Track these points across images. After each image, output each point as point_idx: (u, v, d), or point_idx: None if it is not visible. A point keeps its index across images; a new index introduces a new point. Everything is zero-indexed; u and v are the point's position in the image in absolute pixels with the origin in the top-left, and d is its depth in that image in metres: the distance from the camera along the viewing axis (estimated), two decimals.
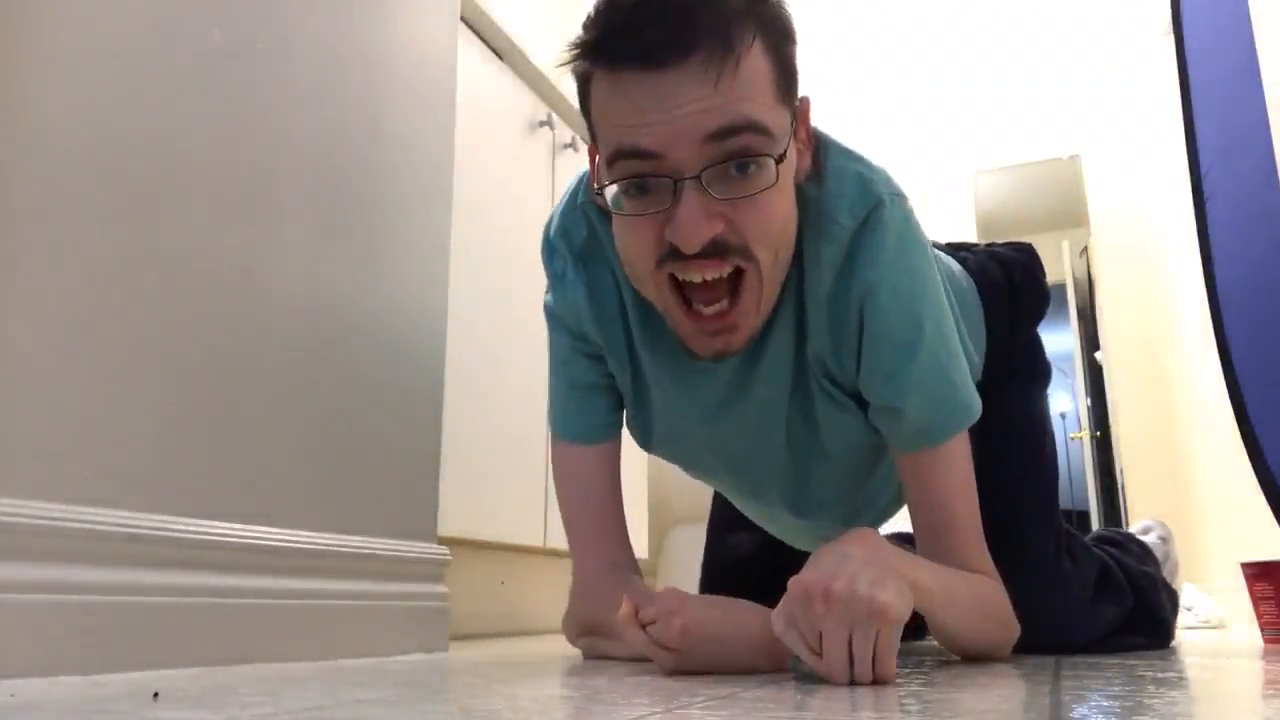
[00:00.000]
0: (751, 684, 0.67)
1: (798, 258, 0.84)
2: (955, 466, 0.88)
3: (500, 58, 1.75)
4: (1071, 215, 4.50)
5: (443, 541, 1.14)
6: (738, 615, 0.77)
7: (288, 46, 0.95)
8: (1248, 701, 0.65)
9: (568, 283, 0.93)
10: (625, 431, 1.01)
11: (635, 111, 0.73)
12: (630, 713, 0.50)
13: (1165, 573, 1.30)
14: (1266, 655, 1.10)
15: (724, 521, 1.27)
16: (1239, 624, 2.08)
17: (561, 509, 1.01)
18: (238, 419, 0.85)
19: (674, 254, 0.76)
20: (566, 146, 1.90)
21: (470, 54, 1.61)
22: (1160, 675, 0.80)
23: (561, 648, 1.07)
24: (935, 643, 1.00)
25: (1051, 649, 1.02)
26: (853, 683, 0.66)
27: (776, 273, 0.81)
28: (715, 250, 0.75)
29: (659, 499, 2.28)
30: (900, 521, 1.07)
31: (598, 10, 0.75)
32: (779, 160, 0.75)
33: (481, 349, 1.54)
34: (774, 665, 0.76)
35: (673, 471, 1.11)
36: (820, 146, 0.85)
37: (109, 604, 0.70)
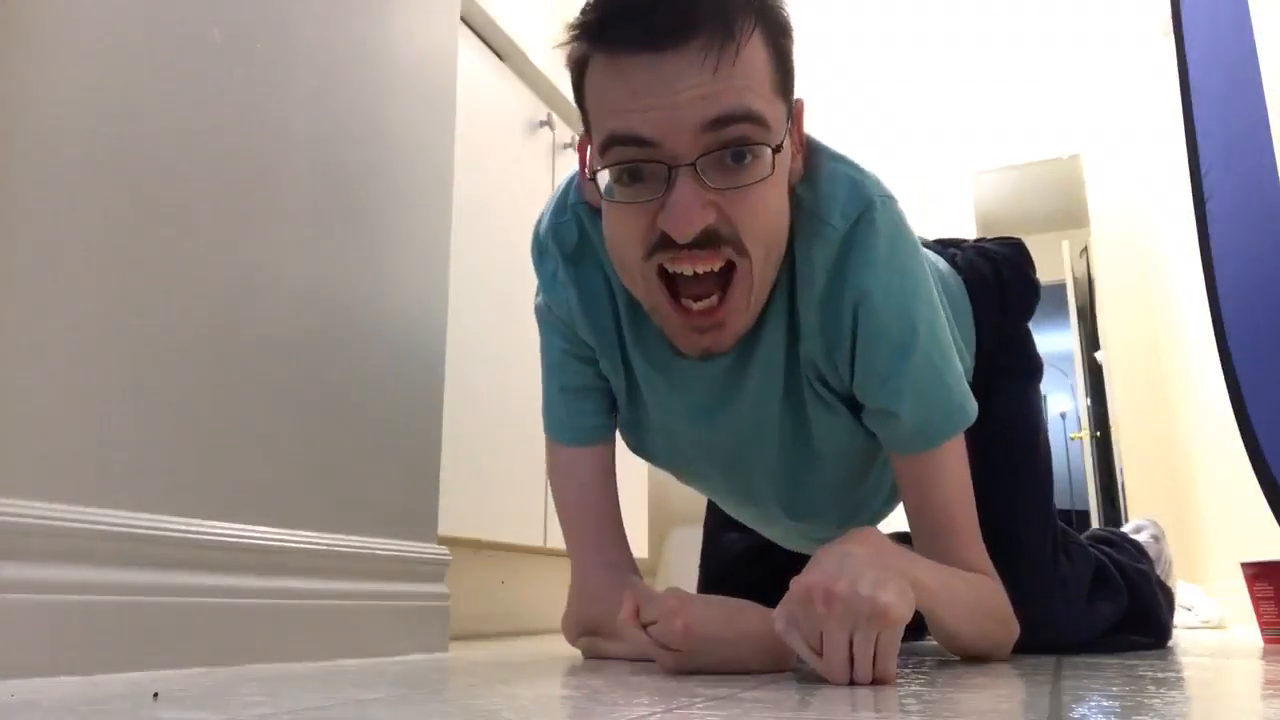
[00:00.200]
0: (751, 684, 0.67)
1: (789, 260, 0.83)
2: (952, 469, 0.87)
3: (500, 58, 1.75)
4: (1071, 215, 4.51)
5: (443, 541, 1.14)
6: (739, 615, 0.77)
7: (288, 46, 0.95)
8: (1248, 701, 0.65)
9: (558, 284, 0.93)
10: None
11: (632, 95, 0.72)
12: (630, 713, 0.50)
13: (1159, 571, 1.30)
14: (1266, 655, 1.10)
15: (719, 521, 1.27)
16: (1239, 624, 2.08)
17: (558, 510, 1.01)
18: (237, 419, 0.85)
19: (665, 244, 0.75)
20: (566, 146, 1.90)
21: (470, 54, 1.61)
22: (1160, 675, 0.80)
23: (561, 648, 1.07)
24: (935, 643, 1.00)
25: (1050, 648, 1.02)
26: (853, 683, 0.66)
27: (768, 271, 0.80)
28: (708, 240, 0.74)
29: (659, 499, 2.28)
30: (898, 521, 1.07)
31: None
32: (775, 151, 0.75)
33: (481, 349, 1.54)
34: (775, 665, 0.76)
35: None
36: (811, 150, 0.84)
37: (109, 604, 0.70)
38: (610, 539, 0.98)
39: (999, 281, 1.13)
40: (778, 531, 1.14)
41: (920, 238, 1.23)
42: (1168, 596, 1.24)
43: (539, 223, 0.95)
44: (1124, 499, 3.73)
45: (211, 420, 0.82)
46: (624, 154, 0.74)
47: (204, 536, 0.79)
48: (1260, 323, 1.26)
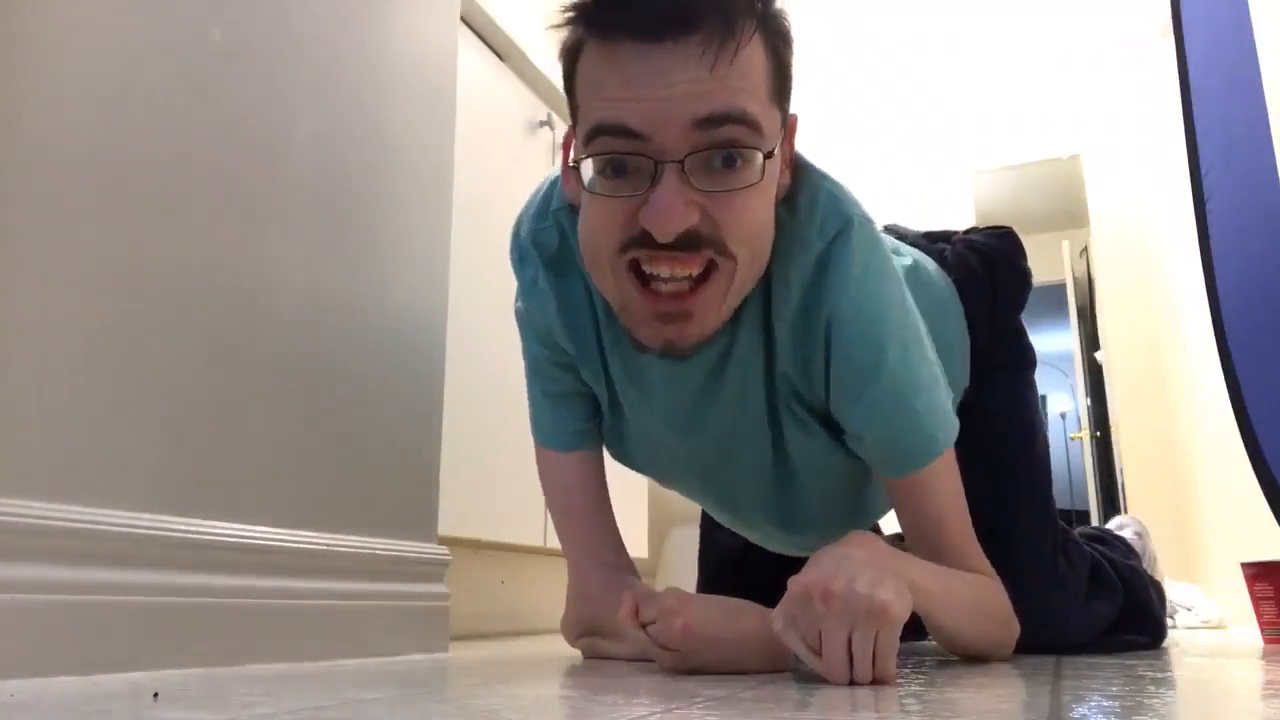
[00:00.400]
0: (751, 684, 0.67)
1: (766, 278, 0.81)
2: (941, 483, 0.87)
3: (500, 58, 1.76)
4: (1071, 215, 4.50)
5: (443, 541, 1.14)
6: (738, 615, 0.77)
7: (288, 46, 0.95)
8: (1248, 701, 0.65)
9: (538, 292, 0.90)
10: None
11: (624, 84, 0.70)
12: (630, 713, 0.50)
13: (1146, 567, 1.30)
14: (1266, 655, 1.10)
15: (713, 520, 1.26)
16: (1239, 624, 2.08)
17: (550, 513, 1.01)
18: (237, 419, 0.85)
19: (643, 241, 0.72)
20: None
21: (470, 54, 1.61)
22: (1160, 675, 0.80)
23: (561, 648, 1.07)
24: (935, 643, 1.00)
25: (1049, 648, 1.02)
26: (852, 683, 0.66)
27: (748, 278, 0.77)
28: (688, 243, 0.72)
29: (659, 499, 2.28)
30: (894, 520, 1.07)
31: None
32: (767, 157, 0.73)
33: (481, 349, 1.54)
34: (774, 665, 0.76)
35: None
36: (796, 167, 0.82)
37: (108, 604, 0.70)
38: (604, 540, 0.97)
39: (990, 274, 1.12)
40: (768, 539, 1.13)
41: (910, 231, 1.23)
42: (1159, 593, 1.24)
43: (518, 226, 0.92)
44: (1124, 499, 3.72)
45: (211, 420, 0.82)
46: (610, 144, 0.71)
47: (204, 536, 0.79)
48: (1260, 323, 1.26)
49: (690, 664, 0.75)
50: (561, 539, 1.00)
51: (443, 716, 0.49)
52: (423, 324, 1.15)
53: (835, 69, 3.94)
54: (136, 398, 0.75)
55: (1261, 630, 1.29)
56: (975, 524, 0.90)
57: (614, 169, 0.73)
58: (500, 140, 1.71)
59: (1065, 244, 4.40)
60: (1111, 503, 4.29)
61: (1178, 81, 1.45)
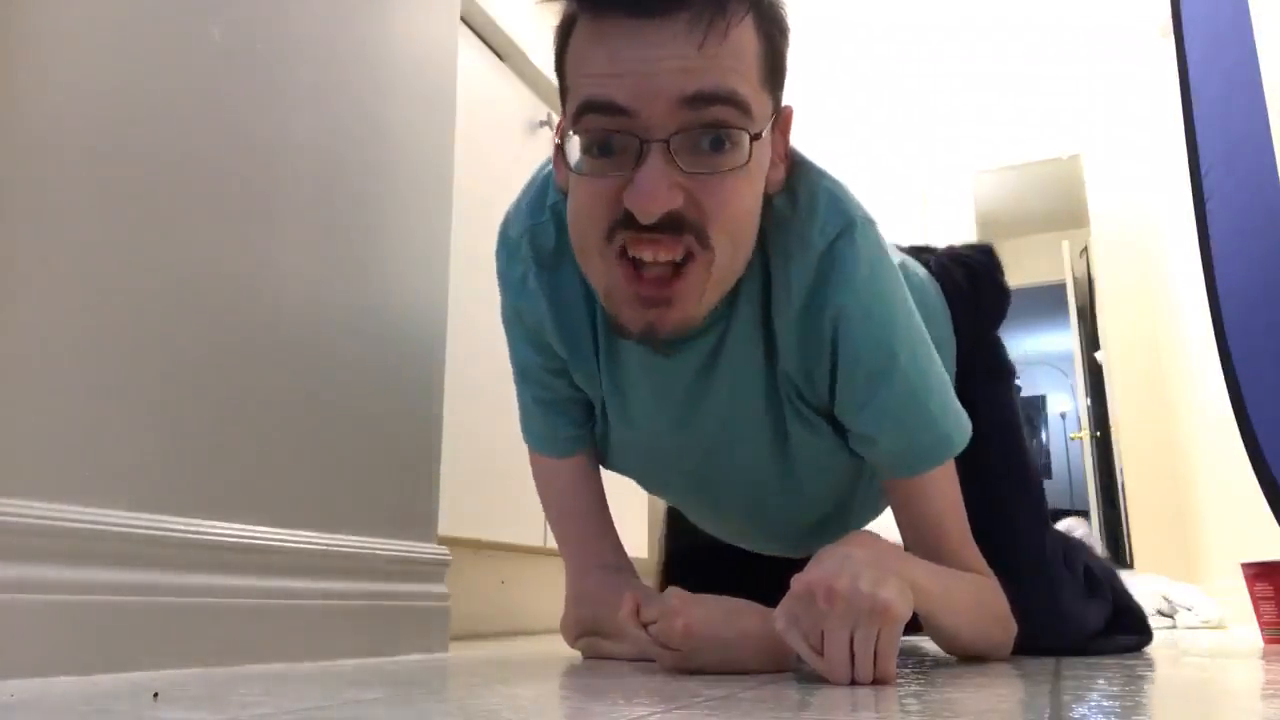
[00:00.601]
0: (752, 684, 0.67)
1: (763, 275, 0.81)
2: (941, 492, 0.87)
3: (500, 58, 1.75)
4: (1071, 215, 4.50)
5: (443, 541, 1.14)
6: (740, 615, 0.77)
7: (288, 46, 0.95)
8: (1248, 701, 0.65)
9: (528, 292, 0.89)
10: None
11: (612, 61, 0.69)
12: (630, 713, 0.50)
13: None
14: (1266, 655, 1.10)
15: (678, 513, 1.24)
16: (1239, 624, 2.08)
17: (547, 517, 1.01)
18: (237, 419, 0.85)
19: (627, 222, 0.71)
20: None
21: (470, 54, 1.61)
22: (1160, 675, 0.80)
23: (561, 648, 1.07)
24: (933, 643, 1.00)
25: (1049, 649, 1.02)
26: (854, 682, 0.66)
27: (727, 273, 0.76)
28: (671, 225, 0.70)
29: (658, 499, 2.28)
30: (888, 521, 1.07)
31: None
32: (754, 139, 0.71)
33: (481, 349, 1.53)
34: (775, 665, 0.76)
35: None
36: (794, 164, 0.82)
37: (108, 604, 0.70)
38: (601, 541, 0.97)
39: (973, 286, 1.12)
40: (744, 543, 1.13)
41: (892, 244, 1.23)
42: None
43: (507, 224, 0.91)
44: (1124, 499, 3.73)
45: (211, 420, 0.82)
46: (596, 122, 0.70)
47: (204, 536, 0.79)
48: (1260, 323, 1.26)
49: (692, 664, 0.75)
50: (559, 542, 1.00)
51: (443, 716, 0.49)
52: (423, 324, 1.15)
53: (836, 69, 3.94)
54: (136, 398, 0.75)
55: (1261, 630, 1.29)
56: (973, 528, 0.90)
57: (600, 148, 0.71)
58: (500, 140, 1.71)
59: (1065, 244, 4.40)
60: (1111, 503, 4.29)
61: (1178, 81, 1.45)
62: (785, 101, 0.79)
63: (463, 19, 1.49)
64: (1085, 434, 4.46)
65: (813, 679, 0.69)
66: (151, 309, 0.77)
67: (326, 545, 0.93)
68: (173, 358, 0.79)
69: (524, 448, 1.01)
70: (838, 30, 3.94)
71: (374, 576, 0.99)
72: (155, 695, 0.57)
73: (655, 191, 0.69)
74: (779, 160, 0.79)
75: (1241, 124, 1.31)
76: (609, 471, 1.01)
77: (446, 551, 1.13)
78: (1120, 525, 3.91)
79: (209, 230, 0.84)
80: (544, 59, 1.82)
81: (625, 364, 0.88)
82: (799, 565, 0.71)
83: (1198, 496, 3.03)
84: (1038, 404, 6.64)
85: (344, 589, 0.94)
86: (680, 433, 0.90)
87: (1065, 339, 4.78)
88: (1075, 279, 4.48)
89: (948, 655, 0.94)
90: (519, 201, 0.91)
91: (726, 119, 0.70)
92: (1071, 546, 1.13)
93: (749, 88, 0.71)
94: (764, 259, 0.81)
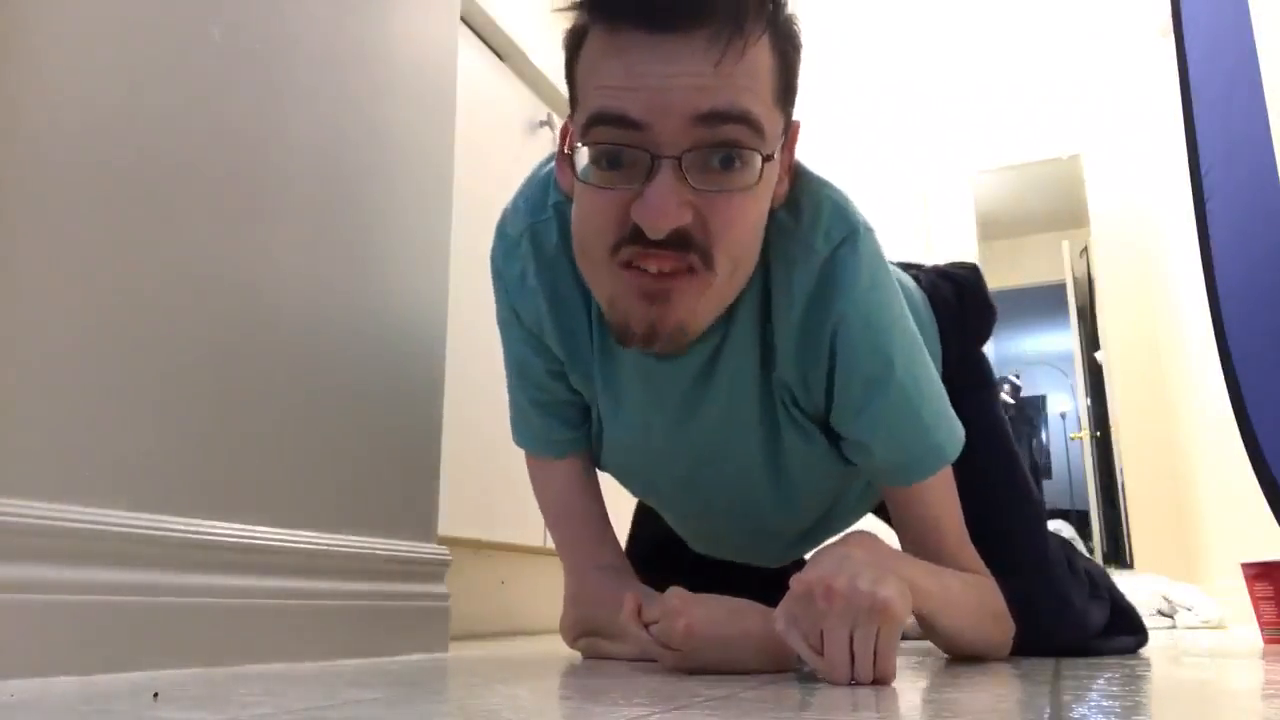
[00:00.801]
0: (752, 684, 0.67)
1: (764, 281, 0.81)
2: (938, 495, 0.87)
3: (500, 58, 1.75)
4: (1071, 215, 4.51)
5: (443, 541, 1.14)
6: (741, 615, 0.77)
7: (287, 47, 0.95)
8: (1248, 701, 0.65)
9: (527, 290, 0.89)
10: None
11: (627, 74, 0.68)
12: (630, 713, 0.50)
13: None
14: (1266, 655, 1.10)
15: (649, 509, 1.23)
16: (1239, 624, 2.08)
17: (545, 519, 1.01)
18: (237, 419, 0.85)
19: (635, 238, 0.71)
20: None
21: (470, 54, 1.61)
22: (1160, 675, 0.80)
23: (561, 648, 1.07)
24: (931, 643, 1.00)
25: (1060, 647, 1.02)
26: (854, 681, 0.66)
27: (726, 293, 0.77)
28: (678, 242, 0.70)
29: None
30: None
31: None
32: (765, 160, 0.71)
33: (481, 349, 1.53)
34: (776, 665, 0.76)
35: None
36: (796, 174, 0.81)
37: (108, 604, 0.70)
38: (599, 542, 0.97)
39: (960, 303, 1.12)
40: (731, 552, 1.12)
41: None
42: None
43: (505, 221, 0.90)
44: (1124, 499, 3.73)
45: (211, 420, 0.82)
46: (607, 134, 0.70)
47: (204, 536, 0.79)
48: (1260, 323, 1.26)
49: (692, 663, 0.75)
50: (557, 545, 1.00)
51: (443, 716, 0.49)
52: (423, 324, 1.14)
53: (836, 69, 3.94)
54: (136, 398, 0.75)
55: (1261, 630, 1.30)
56: (973, 531, 0.90)
57: (609, 160, 0.71)
58: (500, 140, 1.71)
59: (1065, 244, 4.40)
60: (1111, 503, 4.29)
61: (1178, 81, 1.45)
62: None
63: (463, 19, 1.49)
64: (1085, 434, 4.46)
65: (813, 679, 0.69)
66: (151, 309, 0.77)
67: (326, 545, 0.93)
68: (172, 358, 0.79)
69: None
70: (838, 30, 3.94)
71: (374, 576, 0.99)
72: (155, 695, 0.57)
73: (665, 208, 0.68)
74: (784, 174, 0.79)
75: (1241, 124, 1.31)
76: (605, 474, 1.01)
77: (446, 551, 1.13)
78: (1120, 525, 3.91)
79: (209, 230, 0.84)
80: (544, 59, 1.81)
81: (621, 367, 0.88)
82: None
83: (1198, 496, 3.03)
84: (1038, 404, 6.64)
85: (344, 589, 0.94)
86: (674, 437, 0.90)
87: (1065, 339, 4.78)
88: (1075, 279, 4.49)
89: (947, 655, 0.94)
90: (517, 200, 0.90)
91: (739, 138, 0.70)
92: (1070, 548, 1.14)
93: (762, 107, 0.71)
94: (764, 266, 0.81)
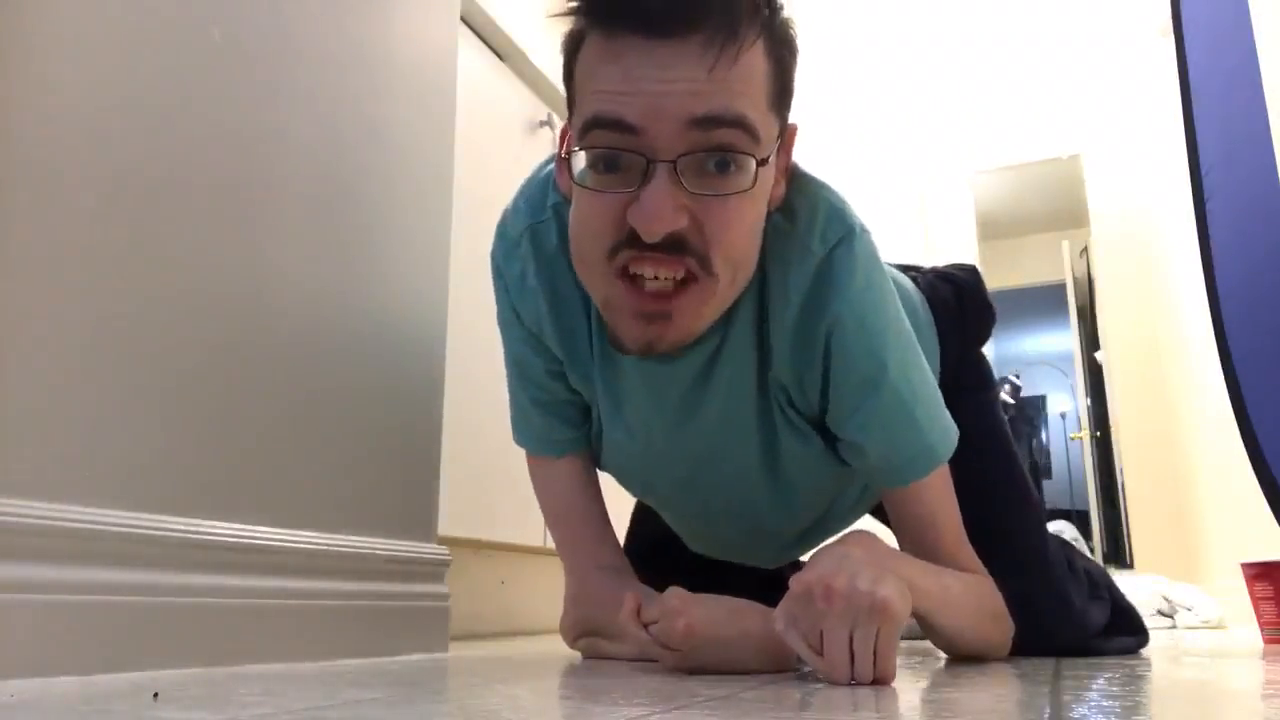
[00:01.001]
0: (752, 684, 0.67)
1: (760, 282, 0.81)
2: (935, 495, 0.87)
3: (500, 58, 1.75)
4: (1071, 215, 4.51)
5: (443, 541, 1.14)
6: (741, 615, 0.77)
7: (287, 47, 0.95)
8: (1248, 701, 0.65)
9: (527, 290, 0.89)
10: None
11: (624, 79, 0.69)
12: (630, 713, 0.50)
13: None
14: (1266, 655, 1.10)
15: (647, 509, 1.23)
16: (1239, 624, 2.08)
17: (545, 518, 1.01)
18: (237, 419, 0.85)
19: (631, 241, 0.72)
20: None
21: (470, 54, 1.61)
22: (1160, 675, 0.80)
23: (561, 648, 1.07)
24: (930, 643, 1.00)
25: (1061, 647, 1.02)
26: (853, 681, 0.66)
27: (728, 296, 0.77)
28: (674, 246, 0.71)
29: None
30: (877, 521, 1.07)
31: None
32: (760, 164, 0.72)
33: (481, 349, 1.53)
34: (776, 665, 0.76)
35: None
36: (793, 176, 0.82)
37: (108, 604, 0.70)
38: (599, 542, 0.97)
39: (960, 305, 1.12)
40: (723, 551, 1.12)
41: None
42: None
43: (505, 222, 0.91)
44: (1124, 499, 3.73)
45: (211, 420, 0.82)
46: (604, 138, 0.70)
47: (204, 536, 0.79)
48: (1260, 323, 1.26)
49: (693, 663, 0.75)
50: (558, 544, 1.00)
51: (443, 716, 0.49)
52: (423, 324, 1.15)
53: (835, 70, 3.94)
54: (136, 398, 0.75)
55: (1261, 630, 1.30)
56: (973, 532, 0.90)
57: (606, 164, 0.72)
58: (500, 140, 1.71)
59: (1065, 244, 4.41)
60: (1111, 503, 4.29)
61: (1178, 81, 1.45)
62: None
63: (463, 19, 1.49)
64: (1085, 434, 4.47)
65: (813, 679, 0.69)
66: (151, 309, 0.77)
67: (326, 545, 0.93)
68: (172, 358, 0.79)
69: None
70: (836, 31, 3.94)
71: (374, 576, 0.99)
72: (155, 695, 0.57)
73: (660, 211, 0.69)
74: (780, 177, 0.80)
75: (1241, 124, 1.31)
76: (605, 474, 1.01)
77: (446, 551, 1.13)
78: (1120, 525, 3.91)
79: (209, 230, 0.84)
80: (544, 59, 1.81)
81: (621, 368, 0.88)
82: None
83: (1198, 496, 3.03)
84: (1038, 404, 6.64)
85: (344, 589, 0.94)
86: (673, 439, 0.90)
87: (1065, 339, 4.78)
88: (1075, 279, 4.49)
89: (946, 655, 0.94)
90: (517, 200, 0.91)
91: (734, 143, 0.70)
92: (1069, 548, 1.14)
93: (757, 112, 0.71)
94: (761, 268, 0.81)
